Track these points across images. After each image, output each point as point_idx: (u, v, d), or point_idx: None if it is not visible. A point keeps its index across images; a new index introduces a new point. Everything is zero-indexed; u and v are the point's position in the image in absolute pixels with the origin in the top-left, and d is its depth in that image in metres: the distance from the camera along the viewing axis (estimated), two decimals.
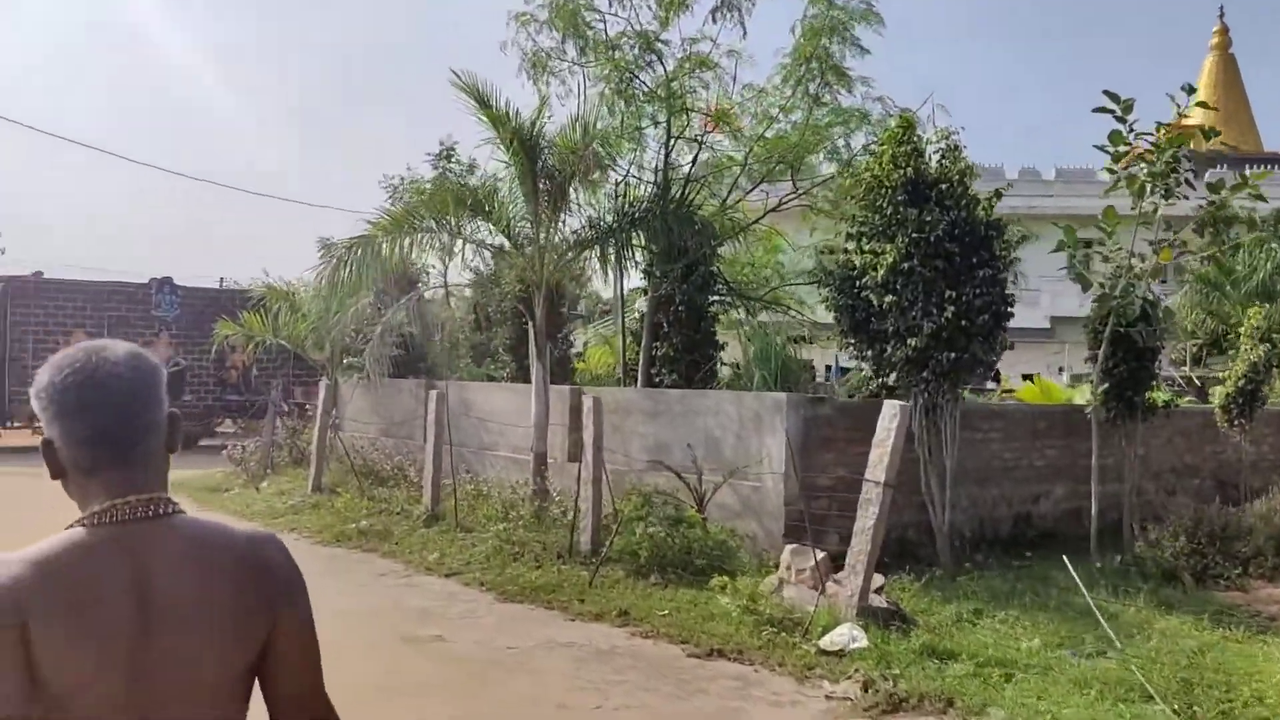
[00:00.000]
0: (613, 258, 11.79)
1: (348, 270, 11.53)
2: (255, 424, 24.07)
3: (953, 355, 8.96)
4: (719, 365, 12.90)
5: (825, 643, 6.40)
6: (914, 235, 9.02)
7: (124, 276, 21.83)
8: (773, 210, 13.63)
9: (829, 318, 15.17)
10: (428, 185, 22.26)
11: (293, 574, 1.61)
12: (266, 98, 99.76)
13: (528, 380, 13.98)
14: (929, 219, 9.00)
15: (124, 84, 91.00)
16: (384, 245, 11.18)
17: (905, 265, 9.04)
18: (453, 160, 23.13)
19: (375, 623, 7.07)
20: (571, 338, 17.47)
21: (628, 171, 13.00)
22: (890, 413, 6.83)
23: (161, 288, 21.73)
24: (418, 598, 8.10)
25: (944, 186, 9.16)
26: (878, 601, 6.98)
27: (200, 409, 22.13)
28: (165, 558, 1.49)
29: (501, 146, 11.31)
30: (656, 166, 12.81)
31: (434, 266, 17.43)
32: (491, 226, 11.70)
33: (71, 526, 1.50)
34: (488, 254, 14.72)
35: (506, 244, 11.67)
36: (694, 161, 13.04)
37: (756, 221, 13.49)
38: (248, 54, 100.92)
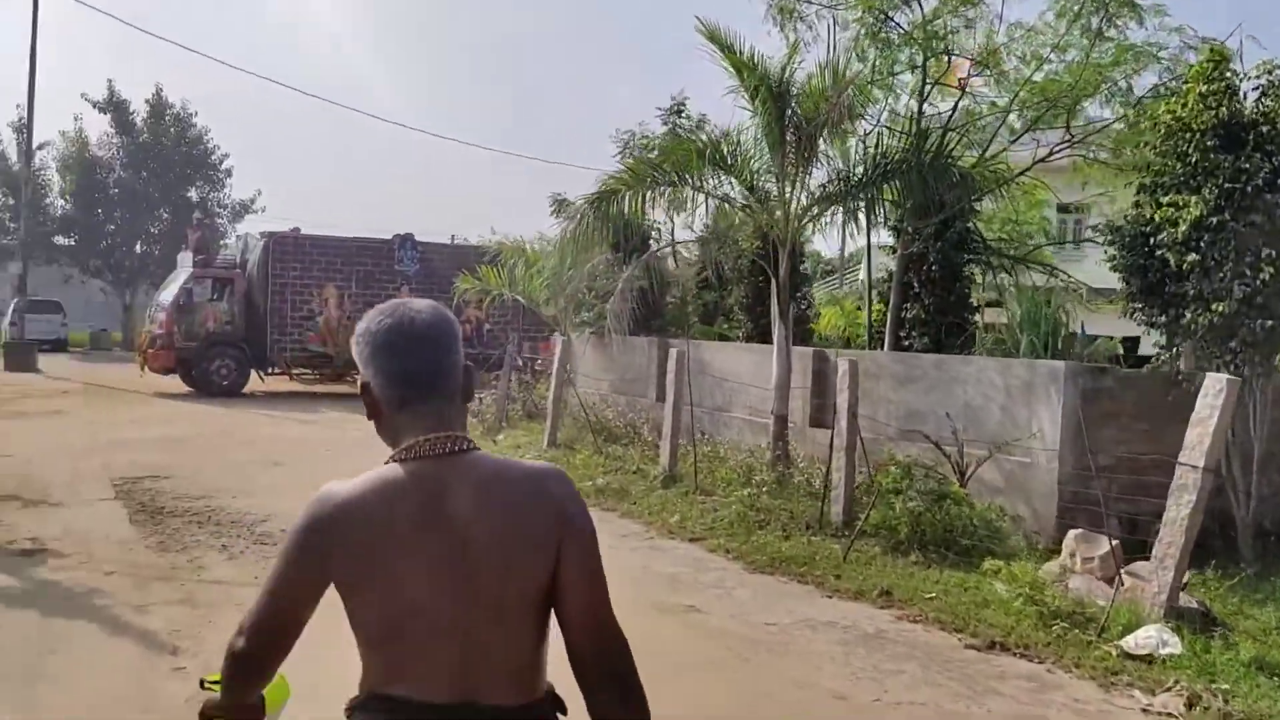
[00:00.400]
0: (861, 213, 11.12)
1: (588, 225, 11.42)
2: (486, 377, 24.96)
3: (1269, 323, 7.82)
4: (977, 329, 12.00)
5: (1129, 644, 5.66)
6: (1225, 185, 7.90)
7: (367, 233, 22.75)
8: (1040, 161, 12.49)
9: (1086, 278, 14.07)
10: (658, 141, 22.18)
11: (578, 504, 1.74)
12: (493, 54, 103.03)
13: (764, 340, 13.55)
14: (1246, 166, 7.85)
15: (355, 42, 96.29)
16: (627, 199, 10.97)
17: (1213, 220, 7.93)
18: (683, 115, 22.84)
19: (628, 587, 6.81)
20: (809, 297, 16.85)
21: (878, 121, 12.24)
22: (1215, 387, 5.94)
23: (404, 244, 22.64)
24: (664, 562, 7.86)
25: (1264, 129, 7.96)
26: (1186, 601, 6.14)
27: None
28: (465, 490, 1.65)
29: (745, 95, 10.84)
30: (910, 115, 11.95)
31: (662, 223, 17.18)
32: (733, 180, 11.27)
33: (387, 463, 1.73)
34: (724, 209, 14.35)
35: (749, 198, 11.23)
36: (954, 109, 12.09)
37: (1022, 173, 12.38)
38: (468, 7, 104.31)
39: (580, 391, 14.95)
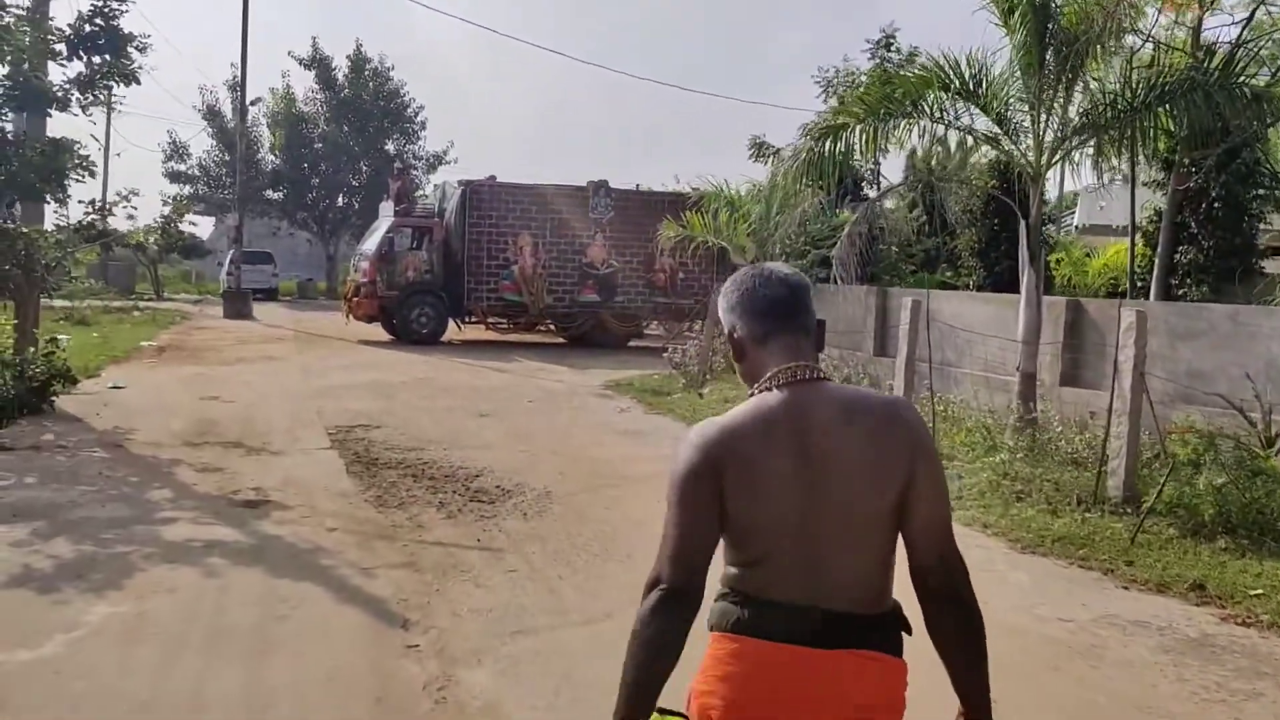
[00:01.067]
0: (1126, 143, 9.73)
1: (809, 164, 10.49)
2: (680, 327, 24.41)
3: None
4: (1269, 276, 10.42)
5: None
6: None
7: (562, 180, 22.46)
8: None
9: None
10: (863, 77, 20.82)
11: (924, 430, 1.90)
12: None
13: (1000, 289, 12.33)
14: None
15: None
16: (857, 134, 9.97)
17: None
18: (892, 49, 21.39)
19: None
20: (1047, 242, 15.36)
21: (1148, 36, 10.69)
22: None
23: (598, 191, 22.21)
24: None
25: None
26: None
27: (631, 310, 22.57)
28: (822, 413, 1.83)
29: (996, 11, 9.61)
30: (1191, 28, 10.37)
31: (871, 165, 16.00)
32: (975, 111, 10.07)
33: (751, 394, 1.91)
34: (945, 148, 13.09)
35: (996, 131, 10.01)
36: (1247, 21, 10.44)
37: None
38: None
39: None
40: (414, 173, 39.11)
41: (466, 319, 22.06)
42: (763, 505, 1.78)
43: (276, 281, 38.60)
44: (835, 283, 10.81)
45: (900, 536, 1.84)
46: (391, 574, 5.62)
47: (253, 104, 32.61)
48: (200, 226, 42.77)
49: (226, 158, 39.30)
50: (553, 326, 22.79)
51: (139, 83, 9.74)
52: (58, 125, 26.36)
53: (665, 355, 15.26)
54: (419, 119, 40.92)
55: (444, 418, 11.45)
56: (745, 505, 1.79)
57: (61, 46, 9.11)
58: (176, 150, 39.00)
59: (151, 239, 29.51)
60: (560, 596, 5.36)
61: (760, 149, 19.98)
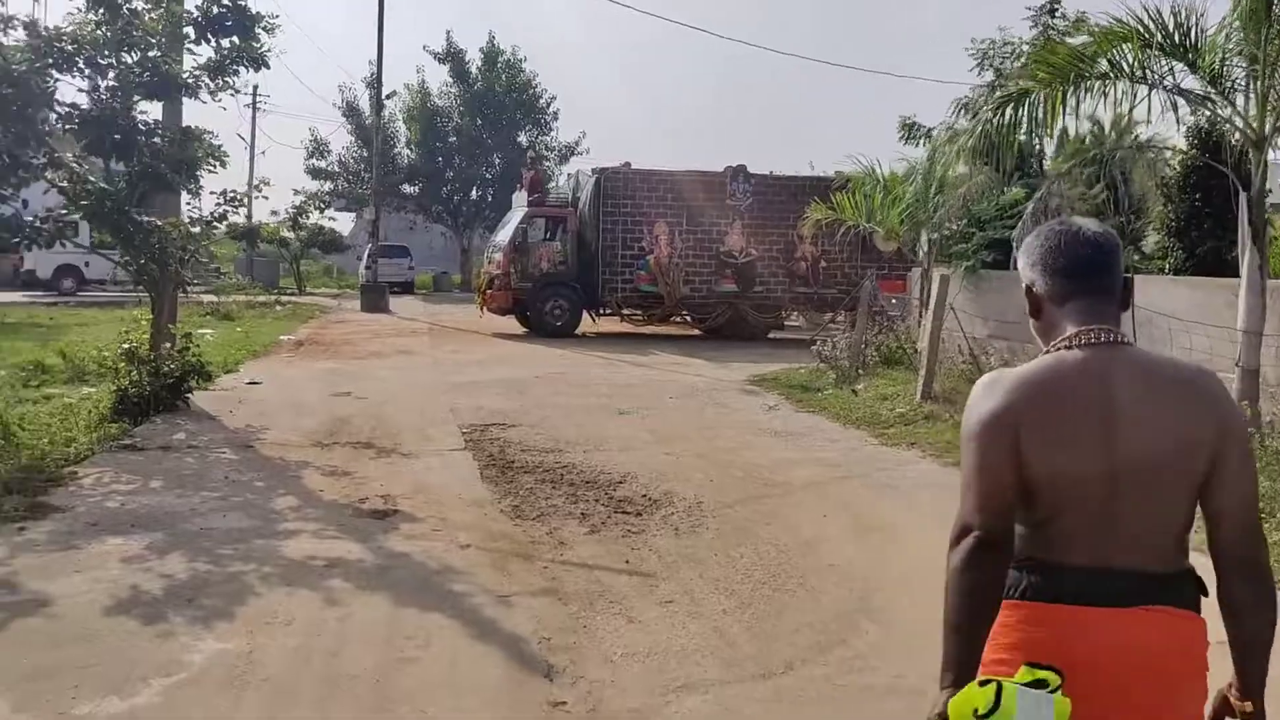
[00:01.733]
0: None
1: (985, 137, 9.37)
2: (823, 318, 23.29)
3: None
4: None
5: None
6: None
7: (701, 165, 21.62)
8: None
9: None
10: (1025, 47, 19.28)
11: (1231, 403, 1.84)
12: None
13: (1202, 273, 10.92)
14: None
15: None
16: (1041, 100, 8.79)
17: None
18: (1056, 14, 19.72)
19: None
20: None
21: None
22: None
23: (736, 176, 21.29)
24: None
25: None
26: None
27: (770, 301, 21.59)
28: (1123, 375, 1.78)
29: None
30: None
31: (1049, 137, 14.56)
32: (1183, 68, 8.76)
33: (1045, 353, 1.89)
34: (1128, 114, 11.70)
35: (1211, 91, 8.69)
36: None
37: None
38: None
39: (947, 335, 12.94)
40: (546, 163, 38.90)
41: (601, 310, 21.49)
42: (1059, 460, 1.77)
43: (413, 275, 39.01)
44: (1013, 267, 9.61)
45: (1200, 506, 1.82)
46: (531, 603, 4.90)
47: (388, 98, 32.86)
48: (339, 222, 43.59)
49: (365, 153, 39.89)
50: (689, 318, 21.98)
51: (268, 66, 9.39)
52: (196, 116, 27.41)
53: (813, 348, 14.26)
54: (551, 109, 40.74)
55: (581, 416, 10.79)
56: (1041, 458, 1.77)
57: (189, 29, 8.75)
58: (318, 147, 39.79)
59: (283, 231, 29.99)
60: (729, 638, 4.53)
61: (910, 129, 18.63)
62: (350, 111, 39.29)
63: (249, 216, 38.68)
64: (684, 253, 20.97)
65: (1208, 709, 1.85)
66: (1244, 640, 1.80)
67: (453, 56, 39.02)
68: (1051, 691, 1.62)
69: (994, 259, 12.77)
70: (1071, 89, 8.69)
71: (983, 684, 1.61)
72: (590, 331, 21.77)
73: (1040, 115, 8.84)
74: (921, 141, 19.77)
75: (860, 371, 13.41)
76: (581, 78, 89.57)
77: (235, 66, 9.29)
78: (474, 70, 39.44)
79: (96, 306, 24.69)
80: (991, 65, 19.75)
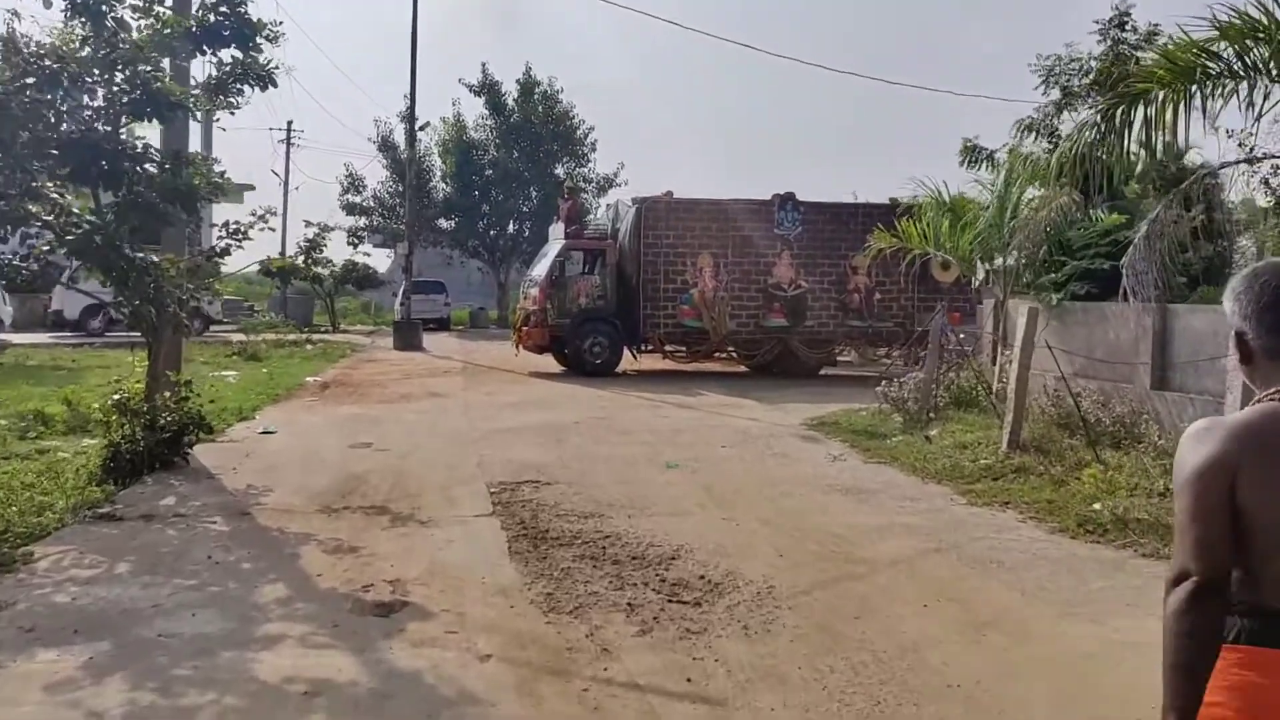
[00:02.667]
0: None
1: (1080, 154, 8.15)
2: (875, 352, 21.99)
3: None
4: None
5: None
6: None
7: (747, 194, 20.49)
8: None
9: None
10: (1094, 62, 18.07)
11: None
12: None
13: None
14: None
15: None
16: (1159, 102, 7.57)
17: None
18: (1126, 28, 18.48)
19: None
20: None
21: None
22: None
23: (784, 204, 20.14)
24: None
25: None
26: None
27: (822, 335, 20.34)
28: None
29: None
30: None
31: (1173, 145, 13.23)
32: None
33: (1258, 402, 1.89)
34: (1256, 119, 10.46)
35: None
36: None
37: None
38: None
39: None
40: (584, 195, 38.02)
41: (642, 347, 20.35)
42: (1276, 507, 1.76)
43: (449, 311, 38.18)
44: (1127, 297, 8.36)
45: None
46: None
47: (421, 129, 32.19)
48: (374, 258, 42.99)
49: (400, 188, 39.32)
50: (735, 354, 20.76)
51: (274, 84, 8.41)
52: (223, 148, 26.64)
53: (877, 389, 13.01)
54: (589, 140, 39.95)
55: (624, 470, 9.62)
56: (1258, 506, 1.77)
57: (183, 41, 7.77)
58: (353, 183, 39.27)
59: (300, 264, 29.23)
60: None
61: (972, 152, 17.42)
62: (385, 146, 38.75)
63: (282, 253, 38.29)
64: (729, 285, 19.81)
65: None
66: None
67: (488, 88, 38.40)
68: None
69: (1087, 290, 11.46)
70: (1196, 88, 7.47)
71: None
72: (631, 369, 20.64)
73: (1158, 119, 7.61)
74: (984, 165, 18.58)
75: (931, 415, 12.13)
76: (620, 107, 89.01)
77: (238, 85, 8.32)
78: (510, 102, 38.77)
79: (125, 347, 23.95)
80: (1058, 83, 18.57)
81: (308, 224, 29.93)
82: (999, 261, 12.38)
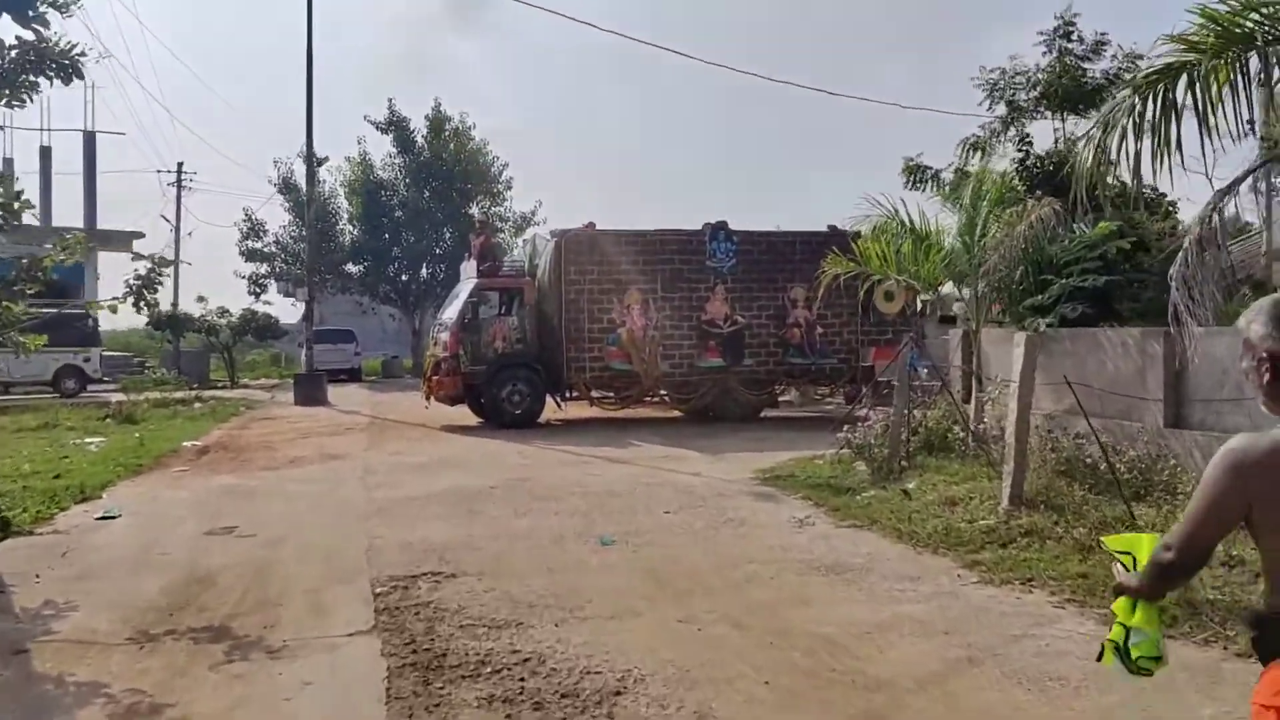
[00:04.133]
0: None
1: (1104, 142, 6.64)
2: (818, 391, 20.47)
3: None
4: None
5: None
6: None
7: (676, 225, 18.84)
8: None
9: None
10: (1040, 74, 16.96)
11: None
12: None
13: None
14: None
15: None
16: (1202, 73, 6.08)
17: None
18: (1072, 38, 17.43)
19: None
20: None
21: None
22: None
23: (715, 234, 18.56)
24: None
25: None
26: None
27: (761, 374, 18.72)
28: None
29: None
30: None
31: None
32: None
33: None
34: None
35: None
36: None
37: None
38: None
39: (1001, 409, 10.15)
40: (501, 235, 36.16)
41: (567, 394, 18.50)
42: None
43: (359, 361, 35.81)
44: (1178, 319, 6.80)
45: None
46: None
47: (320, 164, 29.97)
48: (279, 306, 40.48)
49: (305, 232, 37.04)
50: (669, 398, 19.02)
51: (79, 75, 6.50)
52: (111, 188, 24.06)
53: (839, 435, 11.38)
54: (503, 177, 38.19)
55: (550, 551, 7.76)
56: (1269, 521, 2.04)
57: None
58: (253, 228, 36.80)
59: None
60: None
61: (915, 172, 16.11)
62: (286, 187, 36.41)
63: (175, 304, 35.59)
64: (660, 323, 18.12)
65: None
66: None
67: (396, 125, 36.43)
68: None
69: (1081, 312, 9.99)
70: (1248, 57, 5.99)
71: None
72: (556, 419, 18.77)
73: (1199, 95, 6.10)
74: (930, 185, 17.26)
75: (903, 463, 10.52)
76: (535, 149, 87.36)
77: (30, 76, 6.37)
78: (419, 139, 36.85)
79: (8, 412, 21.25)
80: (1003, 97, 17.43)
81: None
82: (968, 289, 10.88)
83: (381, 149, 37.38)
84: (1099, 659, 2.45)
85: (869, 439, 10.91)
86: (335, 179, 37.49)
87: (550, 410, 18.58)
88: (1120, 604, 2.39)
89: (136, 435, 16.62)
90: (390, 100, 36.57)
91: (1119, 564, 2.44)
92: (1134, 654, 2.36)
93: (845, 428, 11.26)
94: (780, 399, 19.97)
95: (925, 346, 13.92)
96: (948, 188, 15.80)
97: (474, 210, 37.33)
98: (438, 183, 36.60)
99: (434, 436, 16.60)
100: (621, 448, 14.72)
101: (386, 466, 12.82)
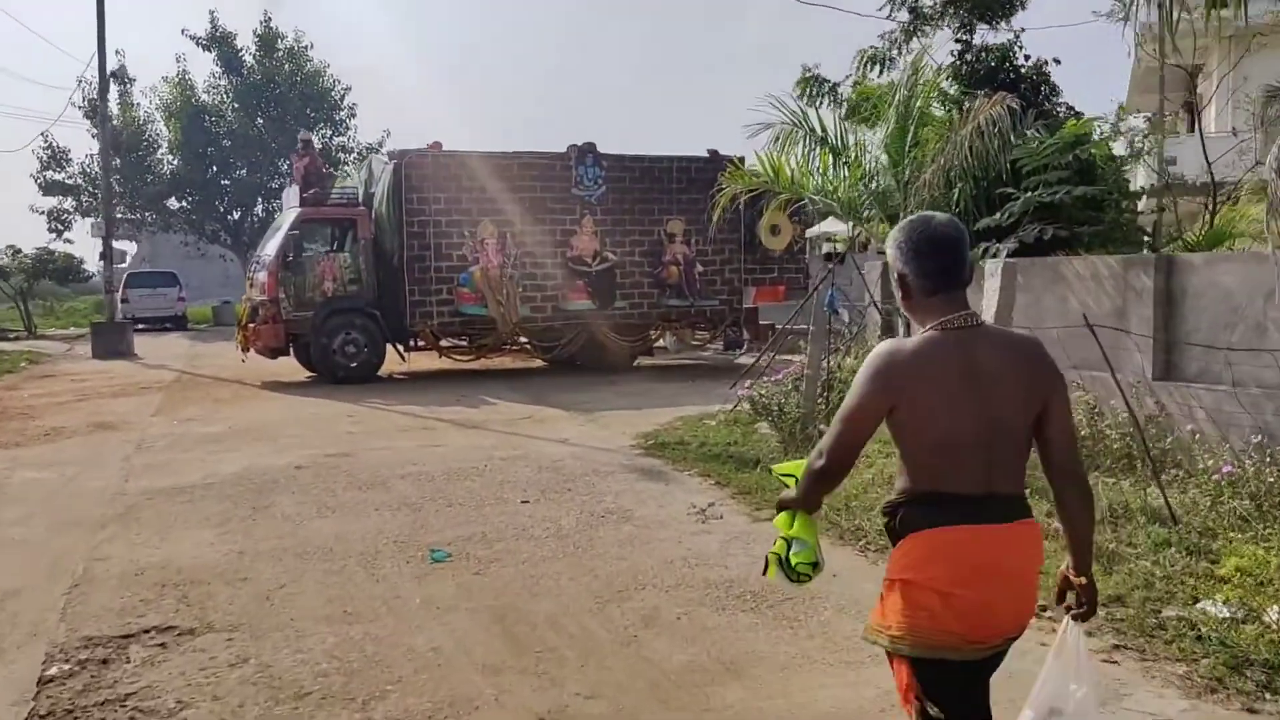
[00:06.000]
0: None
1: None
2: (698, 337, 18.42)
3: None
4: None
5: None
6: None
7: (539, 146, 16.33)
8: None
9: None
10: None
11: (1056, 367, 2.40)
12: None
13: None
14: None
15: None
16: None
17: None
18: None
19: None
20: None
21: None
22: None
23: (583, 158, 16.07)
24: None
25: None
26: None
27: (635, 318, 16.47)
28: (982, 345, 2.31)
29: None
30: None
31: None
32: None
33: (926, 332, 2.33)
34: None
35: None
36: None
37: None
38: None
39: None
40: (345, 170, 32.59)
41: (412, 343, 15.84)
42: (940, 420, 2.24)
43: (183, 308, 31.95)
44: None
45: (1038, 437, 2.36)
46: None
47: (112, 76, 25.71)
48: (88, 246, 35.97)
49: (117, 162, 32.67)
50: (530, 346, 16.60)
51: None
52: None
53: (737, 391, 9.25)
54: (345, 103, 34.52)
55: (355, 577, 5.36)
56: (919, 421, 2.26)
57: None
58: (54, 156, 32.20)
59: None
60: None
61: (812, 84, 14.06)
62: (93, 111, 31.86)
63: None
64: (519, 261, 15.59)
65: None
66: (1075, 530, 2.40)
67: (219, 41, 32.29)
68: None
69: (1052, 235, 7.99)
70: None
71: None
72: (399, 372, 16.14)
73: None
74: (826, 100, 15.22)
75: (820, 428, 8.46)
76: (383, 65, 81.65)
77: None
78: (248, 59, 32.82)
79: None
80: (905, 3, 15.48)
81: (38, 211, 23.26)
82: (904, 203, 8.82)
83: (205, 69, 33.21)
84: (764, 573, 2.57)
85: (777, 396, 8.80)
86: (151, 102, 33.16)
87: (392, 362, 15.94)
88: (781, 519, 2.54)
89: None
90: (212, 12, 32.43)
91: (786, 488, 2.56)
92: (794, 561, 2.51)
93: (748, 383, 9.10)
94: (655, 345, 17.81)
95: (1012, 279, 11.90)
96: (845, 105, 13.85)
97: (314, 140, 33.64)
98: (273, 109, 32.74)
99: (246, 397, 13.77)
100: (473, 407, 12.29)
101: (168, 440, 10.06)
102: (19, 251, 28.31)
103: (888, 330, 10.20)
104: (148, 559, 5.72)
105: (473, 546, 5.93)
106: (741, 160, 13.88)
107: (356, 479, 7.92)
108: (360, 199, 16.23)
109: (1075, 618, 2.43)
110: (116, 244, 39.09)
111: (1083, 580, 2.39)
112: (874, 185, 9.15)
